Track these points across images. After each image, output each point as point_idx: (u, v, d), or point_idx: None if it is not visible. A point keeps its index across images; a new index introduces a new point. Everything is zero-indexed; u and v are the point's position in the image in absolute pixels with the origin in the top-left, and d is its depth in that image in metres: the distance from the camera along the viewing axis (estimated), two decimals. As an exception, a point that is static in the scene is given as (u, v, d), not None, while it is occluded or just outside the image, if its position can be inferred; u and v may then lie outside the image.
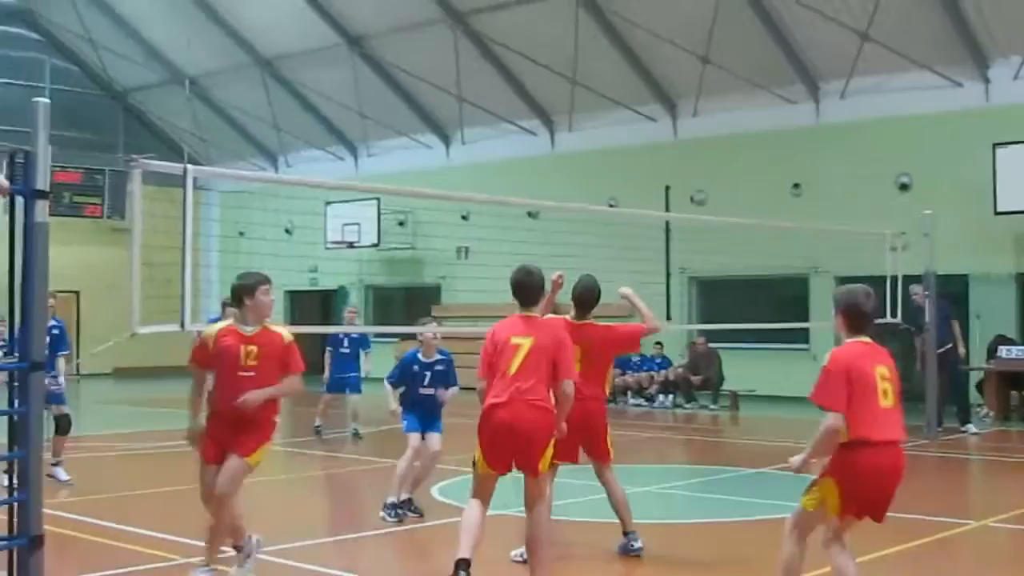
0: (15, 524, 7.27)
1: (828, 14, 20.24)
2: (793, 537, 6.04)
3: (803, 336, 21.30)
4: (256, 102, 29.47)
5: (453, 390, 9.94)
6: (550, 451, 6.81)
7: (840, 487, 5.87)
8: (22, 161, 7.34)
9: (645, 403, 22.08)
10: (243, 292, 7.12)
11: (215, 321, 8.98)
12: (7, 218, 7.45)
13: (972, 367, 19.04)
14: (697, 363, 21.93)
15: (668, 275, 23.83)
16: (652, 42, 22.78)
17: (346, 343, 16.55)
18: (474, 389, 7.05)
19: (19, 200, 7.37)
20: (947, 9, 19.55)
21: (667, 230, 23.65)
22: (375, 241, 27.74)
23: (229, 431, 7.05)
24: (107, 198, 29.49)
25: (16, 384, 7.21)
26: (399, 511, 9.58)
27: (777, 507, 6.41)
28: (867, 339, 6.18)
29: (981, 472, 14.55)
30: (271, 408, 7.19)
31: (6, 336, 8.91)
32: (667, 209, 23.25)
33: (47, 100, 7.57)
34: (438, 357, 10.06)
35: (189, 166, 8.56)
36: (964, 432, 16.52)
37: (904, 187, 20.96)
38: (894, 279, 16.16)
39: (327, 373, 16.62)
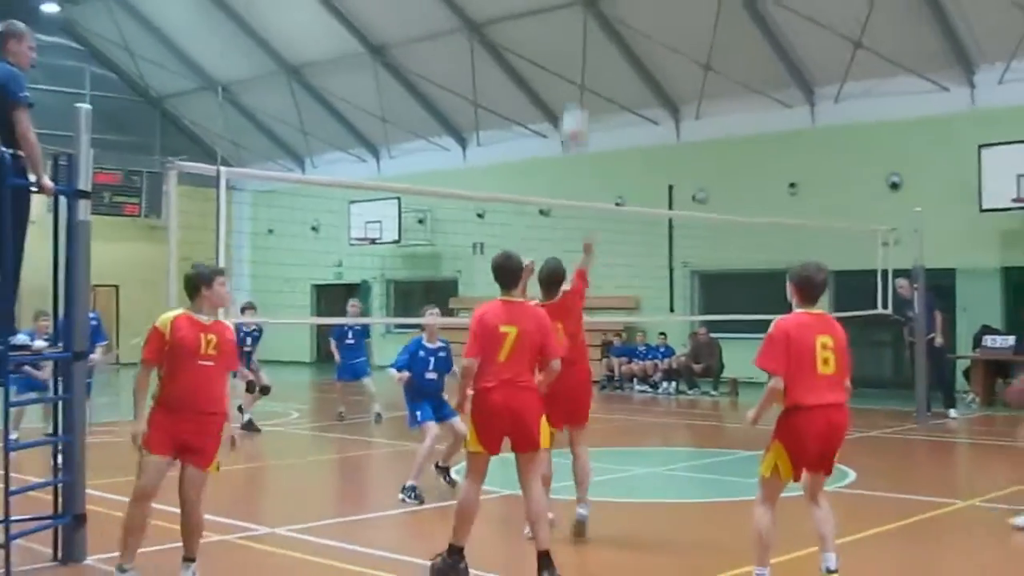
0: (60, 503, 7.31)
1: (823, 23, 20.16)
2: (761, 504, 6.20)
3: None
4: (284, 107, 29.50)
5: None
6: (547, 428, 6.86)
7: (787, 450, 6.10)
8: (65, 163, 7.37)
9: (650, 390, 22.04)
10: (201, 282, 6.62)
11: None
12: (52, 216, 7.47)
13: (959, 355, 18.99)
14: (699, 352, 21.88)
15: (671, 269, 23.79)
16: (656, 50, 22.74)
17: (351, 334, 16.68)
18: None
19: (63, 200, 7.40)
20: (935, 18, 19.49)
21: (670, 227, 23.59)
22: (396, 238, 27.76)
23: (184, 426, 6.43)
24: (145, 198, 29.52)
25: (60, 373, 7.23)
26: (417, 493, 9.56)
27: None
28: (816, 310, 6.32)
29: (968, 455, 14.48)
30: (224, 401, 6.69)
31: (50, 329, 8.90)
32: (670, 207, 23.21)
33: (88, 106, 7.61)
34: (440, 344, 10.08)
35: (221, 168, 8.59)
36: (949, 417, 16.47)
37: (895, 186, 20.88)
38: (885, 273, 16.12)
39: (338, 361, 16.71)
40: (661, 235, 23.27)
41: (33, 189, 6.97)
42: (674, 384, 21.99)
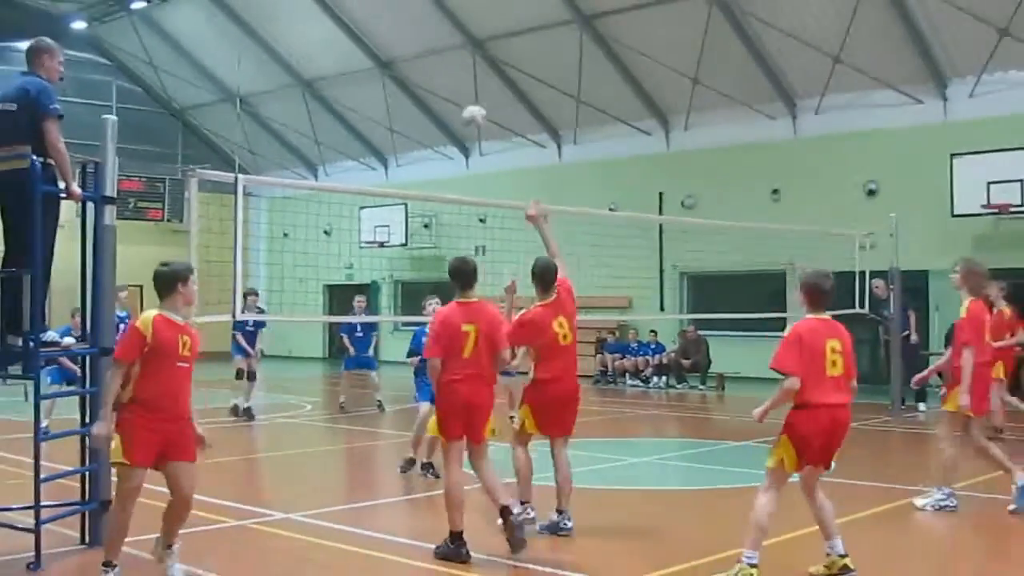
0: (87, 490, 7.31)
1: (804, 40, 20.19)
2: (765, 492, 6.21)
3: (781, 325, 20.82)
4: (298, 118, 29.50)
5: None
6: (490, 423, 7.11)
7: (793, 444, 6.15)
8: (92, 171, 7.37)
9: (641, 384, 22.05)
10: (178, 279, 6.28)
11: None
12: (80, 221, 7.47)
13: (931, 352, 18.95)
14: (688, 348, 21.90)
15: (662, 271, 23.77)
16: (648, 65, 22.74)
17: (360, 329, 16.85)
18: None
19: (90, 205, 7.39)
20: (910, 35, 19.52)
21: (660, 231, 23.57)
22: (403, 241, 27.76)
23: (166, 426, 6.08)
24: (167, 203, 29.55)
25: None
26: (434, 469, 9.76)
27: (759, 476, 6.40)
28: (825, 315, 6.35)
29: (937, 446, 14.41)
30: (190, 404, 6.31)
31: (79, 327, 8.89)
32: (660, 213, 23.16)
33: (114, 117, 7.61)
34: None
35: (239, 175, 8.59)
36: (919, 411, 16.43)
37: (871, 193, 20.88)
38: (862, 274, 16.11)
39: (350, 352, 16.90)
40: (652, 239, 23.24)
41: (62, 195, 6.98)
42: (664, 379, 21.99)
